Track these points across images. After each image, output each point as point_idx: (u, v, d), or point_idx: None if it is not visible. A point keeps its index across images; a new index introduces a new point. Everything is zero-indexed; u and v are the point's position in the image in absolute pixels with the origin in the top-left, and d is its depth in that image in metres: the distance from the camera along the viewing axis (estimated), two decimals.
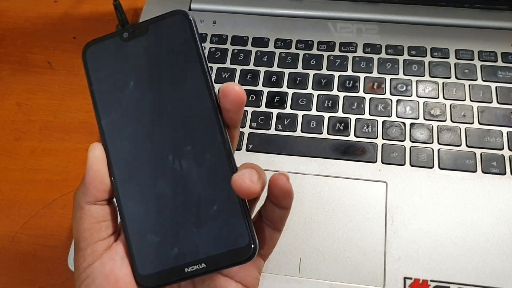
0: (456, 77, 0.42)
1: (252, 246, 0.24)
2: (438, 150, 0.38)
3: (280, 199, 0.25)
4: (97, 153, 0.25)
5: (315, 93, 0.42)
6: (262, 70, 0.43)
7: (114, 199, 0.26)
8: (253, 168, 0.24)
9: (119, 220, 0.26)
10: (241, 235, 0.24)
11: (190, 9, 0.48)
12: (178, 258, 0.24)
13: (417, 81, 0.42)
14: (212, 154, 0.25)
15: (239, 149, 0.39)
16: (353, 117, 0.40)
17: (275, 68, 0.43)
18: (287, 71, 0.43)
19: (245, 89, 0.42)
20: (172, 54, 0.26)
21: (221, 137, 0.25)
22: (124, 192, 0.25)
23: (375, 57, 0.43)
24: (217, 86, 0.26)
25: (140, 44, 0.26)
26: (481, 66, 0.42)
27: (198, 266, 0.24)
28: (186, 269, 0.24)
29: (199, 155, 0.25)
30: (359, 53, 0.44)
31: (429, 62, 0.43)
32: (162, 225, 0.24)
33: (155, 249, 0.24)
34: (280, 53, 0.44)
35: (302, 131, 0.40)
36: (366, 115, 0.40)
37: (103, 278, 0.24)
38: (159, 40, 0.26)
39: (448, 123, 0.40)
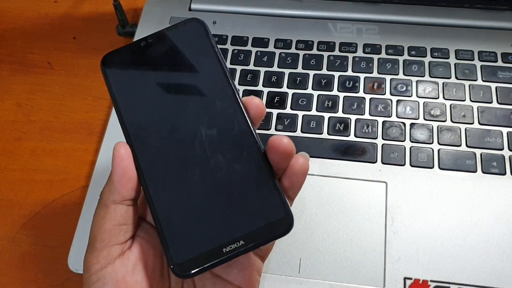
0: (456, 77, 0.42)
1: (289, 218, 0.24)
2: (438, 150, 0.38)
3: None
4: (123, 151, 0.25)
5: (315, 93, 0.42)
6: (262, 70, 0.43)
7: (138, 200, 0.26)
8: None
9: (131, 229, 0.26)
10: (276, 208, 0.24)
11: (190, 10, 0.48)
12: (214, 239, 0.24)
13: (417, 81, 0.42)
14: (238, 138, 0.25)
15: None
16: (353, 117, 0.40)
17: (275, 68, 0.44)
18: (287, 71, 0.43)
19: (245, 89, 0.42)
20: (190, 54, 0.27)
21: (245, 122, 0.25)
22: (153, 184, 0.25)
23: (375, 57, 0.43)
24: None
25: (159, 50, 0.27)
26: (481, 66, 0.42)
27: (237, 244, 0.23)
28: (224, 249, 0.23)
29: (226, 140, 0.25)
30: (359, 53, 0.44)
31: (429, 62, 0.43)
32: (195, 208, 0.24)
33: (190, 233, 0.24)
34: (280, 53, 0.44)
35: (302, 131, 0.40)
36: (366, 115, 0.40)
37: (114, 284, 0.24)
38: (177, 44, 0.27)
39: (448, 123, 0.40)
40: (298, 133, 0.40)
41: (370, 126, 0.40)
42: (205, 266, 0.23)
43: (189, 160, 0.25)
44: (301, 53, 0.44)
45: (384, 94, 0.41)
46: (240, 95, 0.26)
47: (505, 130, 0.39)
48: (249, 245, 0.24)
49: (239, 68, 0.44)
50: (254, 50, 0.45)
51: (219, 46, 0.45)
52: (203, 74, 0.27)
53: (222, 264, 0.24)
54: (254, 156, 0.25)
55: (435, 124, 0.39)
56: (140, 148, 0.26)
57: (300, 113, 0.41)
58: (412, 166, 0.38)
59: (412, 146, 0.39)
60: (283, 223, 0.24)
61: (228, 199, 0.24)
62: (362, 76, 0.42)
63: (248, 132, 0.25)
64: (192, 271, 0.23)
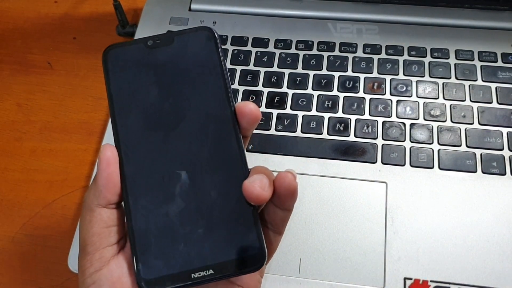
0: (456, 78, 0.42)
1: (262, 255, 0.24)
2: (438, 150, 0.38)
3: (284, 199, 0.25)
4: (109, 155, 0.25)
5: (315, 93, 0.42)
6: (262, 70, 0.43)
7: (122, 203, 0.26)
8: (264, 173, 0.24)
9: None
10: (251, 243, 0.24)
11: (190, 10, 0.48)
12: (185, 263, 0.24)
13: (417, 82, 0.42)
14: (226, 162, 0.25)
15: None
16: (353, 118, 0.40)
17: (275, 68, 0.44)
18: (287, 71, 0.43)
19: (245, 89, 0.42)
20: (194, 65, 0.26)
21: (236, 146, 0.25)
22: (133, 194, 0.25)
23: (375, 57, 0.43)
24: None
25: (164, 53, 0.26)
26: (481, 66, 0.42)
27: (205, 272, 0.23)
28: (192, 275, 0.23)
29: (213, 162, 0.25)
30: (359, 53, 0.44)
31: (429, 63, 0.43)
32: (171, 229, 0.24)
33: (162, 253, 0.24)
34: (280, 54, 0.44)
35: (302, 132, 0.40)
36: (366, 116, 0.40)
37: (110, 285, 0.24)
38: (183, 51, 0.26)
39: (448, 123, 0.40)
40: (298, 133, 0.40)
41: (370, 126, 0.40)
42: (170, 287, 0.23)
43: (174, 176, 0.25)
44: (301, 53, 0.44)
45: (384, 94, 0.41)
46: (237, 115, 0.26)
47: (505, 130, 0.39)
48: (217, 275, 0.23)
49: (239, 68, 0.44)
50: (254, 50, 0.45)
51: None
52: (203, 88, 0.26)
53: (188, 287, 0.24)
54: (240, 186, 0.24)
55: (435, 124, 0.39)
56: (127, 153, 0.25)
57: (300, 113, 0.41)
58: (412, 166, 0.38)
59: (412, 146, 0.39)
60: (255, 260, 0.24)
61: (207, 225, 0.24)
62: (362, 76, 0.42)
63: (238, 158, 0.25)
64: None
